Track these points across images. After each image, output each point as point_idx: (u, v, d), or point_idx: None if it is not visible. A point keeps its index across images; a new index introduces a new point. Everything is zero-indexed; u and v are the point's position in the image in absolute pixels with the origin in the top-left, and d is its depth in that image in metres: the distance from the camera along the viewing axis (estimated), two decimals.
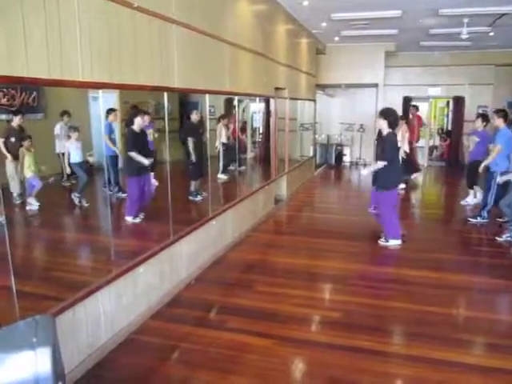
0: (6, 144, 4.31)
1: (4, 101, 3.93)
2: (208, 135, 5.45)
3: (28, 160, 4.48)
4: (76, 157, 5.02)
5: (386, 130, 5.51)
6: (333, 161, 13.17)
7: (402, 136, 8.71)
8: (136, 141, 5.02)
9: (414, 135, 10.53)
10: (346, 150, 13.52)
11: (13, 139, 4.35)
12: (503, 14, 7.64)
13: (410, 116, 11.13)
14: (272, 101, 7.70)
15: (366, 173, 5.60)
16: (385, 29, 9.33)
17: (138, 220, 5.03)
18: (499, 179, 6.03)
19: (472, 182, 7.77)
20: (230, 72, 5.54)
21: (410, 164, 10.12)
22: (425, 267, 4.93)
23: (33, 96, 4.28)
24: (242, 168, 7.51)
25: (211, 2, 4.93)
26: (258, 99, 7.48)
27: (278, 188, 8.37)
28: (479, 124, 7.33)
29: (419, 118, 11.33)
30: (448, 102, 14.10)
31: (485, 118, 7.39)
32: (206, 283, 4.59)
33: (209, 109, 5.24)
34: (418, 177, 10.61)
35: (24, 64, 2.44)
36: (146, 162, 4.92)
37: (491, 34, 9.43)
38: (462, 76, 12.47)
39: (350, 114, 13.16)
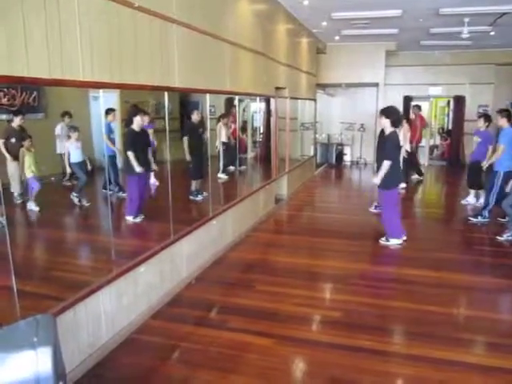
0: (6, 145, 4.31)
1: (4, 101, 3.93)
2: (208, 135, 5.45)
3: (28, 160, 4.48)
4: (76, 157, 5.02)
5: (388, 129, 5.50)
6: (333, 160, 13.17)
7: (404, 135, 8.69)
8: (135, 141, 5.01)
9: (415, 135, 10.50)
10: (347, 150, 13.53)
11: (13, 140, 4.35)
12: (504, 14, 7.63)
13: (412, 116, 11.10)
14: (272, 100, 7.70)
15: (378, 180, 5.54)
16: (385, 28, 9.32)
17: (138, 220, 5.02)
18: (508, 188, 5.90)
19: (473, 182, 7.76)
20: (231, 71, 5.53)
21: (412, 164, 10.13)
22: (425, 266, 4.93)
23: (33, 96, 4.27)
24: (243, 167, 7.51)
25: (212, 1, 4.93)
26: (258, 99, 7.48)
27: (279, 187, 8.37)
28: (481, 124, 7.32)
29: (422, 117, 11.29)
30: (448, 102, 14.08)
31: (487, 118, 7.38)
32: (207, 283, 4.59)
33: (209, 108, 5.24)
34: (419, 178, 10.59)
35: (24, 64, 2.44)
36: (137, 169, 4.89)
37: (492, 33, 9.42)
38: (463, 75, 12.46)
39: (351, 113, 13.16)
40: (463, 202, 8.02)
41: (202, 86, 4.75)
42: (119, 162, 5.36)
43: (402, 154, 7.60)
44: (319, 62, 11.59)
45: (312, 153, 11.54)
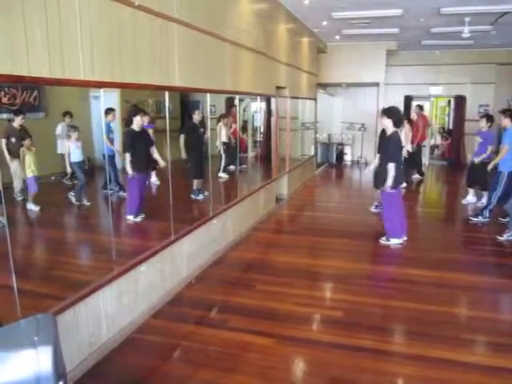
0: (7, 144, 4.32)
1: (5, 100, 3.94)
2: (209, 134, 5.45)
3: (28, 159, 4.49)
4: (76, 156, 5.02)
5: (390, 130, 5.50)
6: (334, 160, 13.17)
7: (406, 136, 8.69)
8: (135, 141, 5.00)
9: (418, 135, 10.50)
10: (347, 149, 13.52)
11: (13, 139, 4.36)
12: (505, 13, 7.62)
13: (414, 116, 11.10)
14: (273, 100, 7.70)
15: (389, 185, 5.52)
16: (386, 27, 9.31)
17: (138, 219, 5.03)
18: None
19: (472, 182, 7.80)
20: (231, 71, 5.53)
21: (415, 163, 10.13)
22: (426, 266, 4.92)
23: (34, 95, 4.28)
24: (243, 167, 7.52)
25: (212, 1, 4.92)
26: (259, 98, 7.48)
27: (279, 187, 8.37)
28: (483, 124, 7.32)
29: (424, 117, 11.26)
30: (449, 101, 14.08)
31: (489, 118, 7.37)
32: (207, 282, 4.59)
33: (210, 108, 5.24)
34: (419, 177, 10.60)
35: (25, 63, 2.44)
36: (129, 172, 4.90)
37: (493, 32, 9.41)
38: (464, 75, 12.44)
39: (351, 113, 13.16)
40: (463, 201, 8.03)
41: (203, 85, 4.74)
42: (118, 162, 5.36)
43: (404, 154, 7.59)
44: (320, 61, 11.59)
45: (312, 152, 11.54)
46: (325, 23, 8.95)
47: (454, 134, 13.08)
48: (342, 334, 3.51)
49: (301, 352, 3.33)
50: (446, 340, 3.40)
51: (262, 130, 9.21)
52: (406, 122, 8.65)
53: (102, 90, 3.16)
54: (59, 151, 4.94)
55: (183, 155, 6.18)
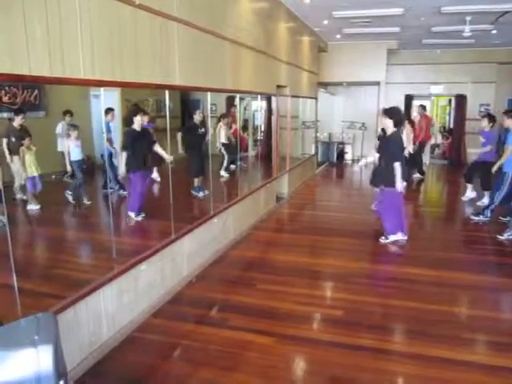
0: (7, 144, 4.33)
1: (6, 99, 3.94)
2: (210, 134, 5.45)
3: (28, 159, 4.50)
4: (75, 155, 5.02)
5: (390, 130, 5.50)
6: (334, 159, 13.16)
7: (407, 136, 8.69)
8: (135, 140, 5.00)
9: (420, 135, 10.52)
10: (348, 148, 13.51)
11: (13, 139, 4.37)
12: (506, 12, 7.61)
13: (416, 116, 11.08)
14: (274, 99, 7.69)
15: (400, 188, 5.54)
16: (387, 26, 9.30)
17: (139, 218, 5.03)
18: None
19: (470, 178, 7.91)
20: (232, 70, 5.53)
21: (414, 162, 10.12)
22: (426, 265, 4.92)
23: (34, 94, 4.28)
24: (244, 166, 7.52)
25: None
26: (259, 97, 7.47)
27: (280, 186, 8.37)
28: (485, 124, 7.32)
29: (427, 118, 11.24)
30: (450, 100, 14.07)
31: (491, 117, 7.38)
32: (208, 281, 4.59)
33: (210, 107, 5.23)
34: (420, 177, 10.59)
35: (25, 62, 2.44)
36: (122, 171, 4.91)
37: (494, 31, 9.40)
38: (465, 74, 12.42)
39: (352, 112, 13.16)
40: (463, 198, 8.10)
41: (203, 84, 4.74)
42: (117, 161, 5.36)
43: (405, 154, 7.60)
44: (320, 60, 11.57)
45: (313, 151, 11.53)
46: (325, 22, 8.94)
47: (455, 133, 13.07)
48: (342, 333, 3.52)
49: (301, 351, 3.34)
50: (446, 339, 3.40)
51: (262, 129, 9.21)
52: (406, 122, 8.64)
53: (102, 88, 3.16)
54: (59, 149, 4.95)
55: (180, 150, 6.18)
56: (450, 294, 4.26)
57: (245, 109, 9.30)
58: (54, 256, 4.35)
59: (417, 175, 10.49)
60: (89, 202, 5.36)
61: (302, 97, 9.73)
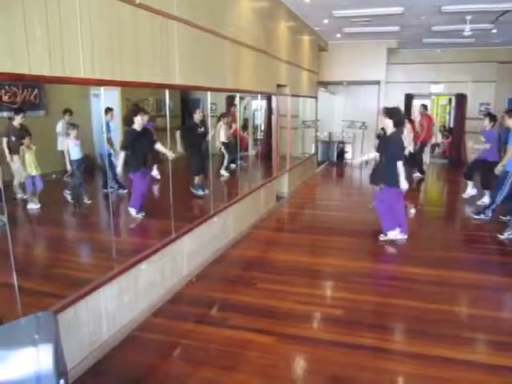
0: (7, 143, 4.33)
1: (6, 98, 3.94)
2: (210, 133, 5.45)
3: (28, 158, 4.50)
4: (74, 154, 5.02)
5: (390, 130, 5.51)
6: (334, 158, 13.16)
7: (408, 136, 8.68)
8: (135, 140, 5.00)
9: (422, 135, 10.53)
10: (348, 148, 13.49)
11: (13, 138, 4.37)
12: (506, 11, 7.60)
13: (417, 115, 11.07)
14: (274, 98, 7.69)
15: (405, 187, 5.56)
16: (387, 26, 9.29)
17: (140, 216, 5.03)
18: None
19: (471, 175, 7.94)
20: (232, 69, 5.52)
21: (414, 162, 10.12)
22: (426, 264, 4.92)
23: (34, 93, 4.28)
24: (244, 165, 7.52)
25: None
26: (259, 96, 7.46)
27: (280, 185, 8.37)
28: (487, 123, 7.34)
29: (429, 117, 11.23)
30: (450, 100, 14.06)
31: (492, 117, 7.39)
32: (208, 280, 4.59)
33: (210, 106, 5.23)
34: (420, 176, 10.59)
35: (25, 61, 2.44)
36: (117, 169, 4.91)
37: (494, 31, 9.39)
38: (465, 73, 12.41)
39: (352, 111, 13.14)
40: (464, 195, 8.12)
41: (203, 83, 4.74)
42: (116, 161, 5.35)
43: (405, 154, 7.61)
44: (321, 59, 11.56)
45: (313, 151, 11.53)
46: (326, 21, 8.94)
47: (455, 133, 13.07)
48: (342, 332, 3.52)
49: (301, 350, 3.34)
50: (447, 338, 3.40)
51: (262, 128, 9.21)
52: (407, 121, 8.63)
53: (102, 88, 3.16)
54: (59, 148, 4.94)
55: (179, 149, 6.18)
56: (450, 294, 4.26)
57: (245, 108, 9.29)
58: (54, 255, 4.35)
59: (417, 174, 10.49)
60: (89, 202, 5.35)
61: (302, 96, 9.72)
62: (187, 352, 3.32)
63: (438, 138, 14.54)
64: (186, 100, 6.62)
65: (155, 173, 5.64)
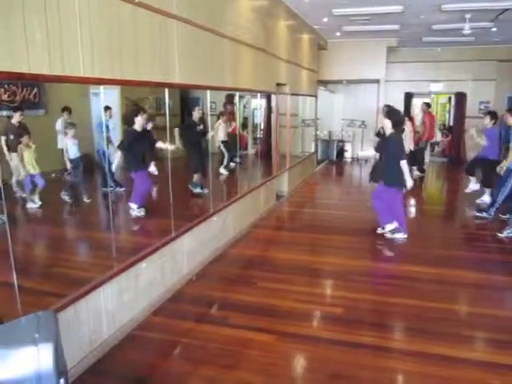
0: (6, 141, 4.32)
1: (5, 97, 3.93)
2: (210, 132, 5.44)
3: (27, 156, 4.49)
4: (72, 153, 5.02)
5: (389, 130, 5.53)
6: (334, 157, 13.16)
7: (409, 134, 8.68)
8: (135, 141, 4.99)
9: (425, 133, 10.54)
10: (348, 146, 13.50)
11: (12, 136, 4.37)
12: (506, 10, 7.60)
13: (417, 112, 11.08)
14: (273, 97, 7.68)
15: (410, 184, 5.58)
16: (386, 24, 9.29)
17: (140, 213, 5.03)
18: None
19: (472, 171, 7.95)
20: (231, 68, 5.52)
21: (415, 160, 10.12)
22: (426, 263, 4.92)
23: (34, 92, 4.27)
24: (244, 164, 7.51)
25: None
26: (259, 95, 7.46)
27: (280, 184, 8.37)
28: (488, 121, 7.34)
29: (431, 115, 11.22)
30: (450, 98, 14.06)
31: (493, 115, 7.39)
32: (208, 279, 4.59)
33: (210, 105, 5.23)
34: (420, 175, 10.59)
35: (25, 60, 2.43)
36: (113, 168, 4.90)
37: (494, 29, 9.38)
38: (464, 72, 12.41)
39: (352, 109, 13.14)
40: (467, 190, 8.10)
41: (203, 82, 4.73)
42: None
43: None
44: (320, 58, 11.56)
45: (313, 149, 11.53)
46: (325, 20, 8.93)
47: (455, 131, 13.07)
48: (342, 331, 3.52)
49: (301, 348, 3.34)
50: (447, 337, 3.41)
51: (262, 127, 9.20)
52: (407, 119, 8.63)
53: (101, 87, 3.15)
54: (60, 146, 4.94)
55: (177, 143, 6.16)
56: (450, 292, 4.26)
57: (244, 107, 9.29)
58: (53, 254, 4.35)
59: (417, 173, 10.48)
60: (88, 200, 5.35)
61: (302, 95, 9.72)
62: (187, 351, 3.32)
63: (437, 136, 14.54)
64: (186, 99, 6.61)
65: (153, 169, 5.64)
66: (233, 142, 7.12)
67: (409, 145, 8.35)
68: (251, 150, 9.27)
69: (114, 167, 4.92)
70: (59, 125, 4.88)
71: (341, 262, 5.05)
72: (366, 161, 13.03)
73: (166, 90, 4.03)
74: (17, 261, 2.51)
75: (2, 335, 1.74)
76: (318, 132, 12.43)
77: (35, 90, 4.26)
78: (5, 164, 4.20)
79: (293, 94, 8.64)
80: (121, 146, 4.92)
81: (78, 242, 4.80)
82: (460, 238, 6.16)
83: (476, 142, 7.70)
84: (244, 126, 9.06)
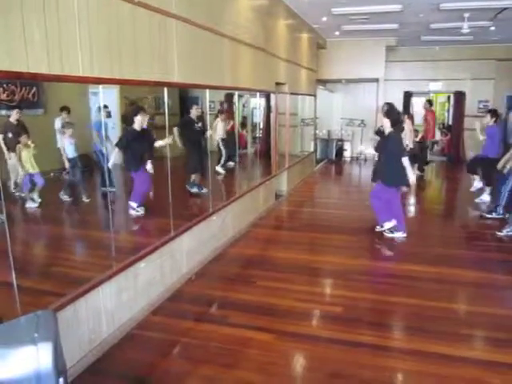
0: (4, 140, 4.32)
1: (4, 96, 3.92)
2: (209, 131, 5.44)
3: (26, 155, 4.49)
4: (69, 152, 5.02)
5: (388, 129, 5.54)
6: (333, 156, 13.16)
7: (409, 132, 8.67)
8: (133, 140, 4.98)
9: (429, 131, 10.57)
10: (347, 145, 13.50)
11: (10, 135, 4.36)
12: (504, 9, 7.60)
13: (416, 110, 11.10)
14: (272, 96, 7.68)
15: (413, 179, 5.62)
16: (385, 23, 9.28)
17: (139, 212, 5.03)
18: None
19: (473, 170, 7.99)
20: (230, 67, 5.52)
21: (415, 159, 10.12)
22: (426, 262, 4.93)
23: (33, 91, 4.26)
24: (243, 163, 7.51)
25: None
26: (258, 94, 7.46)
27: (279, 183, 8.37)
28: (488, 119, 7.36)
29: (433, 113, 11.22)
30: (449, 97, 14.07)
31: (494, 113, 7.41)
32: (207, 278, 4.59)
33: (209, 104, 5.22)
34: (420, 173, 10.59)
35: (24, 59, 2.43)
36: (109, 163, 4.88)
37: (492, 28, 9.38)
38: (463, 71, 12.41)
39: (351, 109, 13.14)
40: (471, 189, 8.10)
41: (202, 81, 4.73)
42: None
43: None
44: (319, 57, 11.56)
45: (312, 148, 11.53)
46: (324, 19, 8.92)
47: (454, 130, 13.08)
48: (341, 330, 3.52)
49: (301, 348, 3.34)
50: (446, 335, 3.41)
51: (261, 126, 9.19)
52: (406, 117, 8.63)
53: (100, 86, 3.15)
54: (59, 145, 4.94)
55: (177, 139, 6.16)
56: (449, 291, 4.27)
57: (243, 106, 9.28)
58: (52, 254, 4.34)
59: (416, 172, 10.47)
60: (87, 200, 5.35)
61: (301, 94, 9.72)
62: (187, 350, 3.32)
63: (436, 135, 14.54)
64: (185, 98, 6.60)
65: (149, 167, 5.65)
66: (231, 140, 7.12)
67: (408, 143, 8.34)
68: (250, 149, 9.26)
69: (110, 165, 4.90)
70: (58, 123, 4.88)
71: (340, 261, 5.06)
72: (365, 160, 13.03)
73: (165, 90, 4.03)
74: (16, 260, 2.51)
75: (2, 335, 1.74)
76: (317, 131, 12.43)
77: (34, 89, 4.25)
78: (3, 163, 4.19)
79: (292, 93, 8.64)
80: (119, 144, 4.91)
81: (77, 242, 4.80)
82: (459, 237, 6.16)
83: (476, 136, 7.73)
84: (243, 125, 9.05)
